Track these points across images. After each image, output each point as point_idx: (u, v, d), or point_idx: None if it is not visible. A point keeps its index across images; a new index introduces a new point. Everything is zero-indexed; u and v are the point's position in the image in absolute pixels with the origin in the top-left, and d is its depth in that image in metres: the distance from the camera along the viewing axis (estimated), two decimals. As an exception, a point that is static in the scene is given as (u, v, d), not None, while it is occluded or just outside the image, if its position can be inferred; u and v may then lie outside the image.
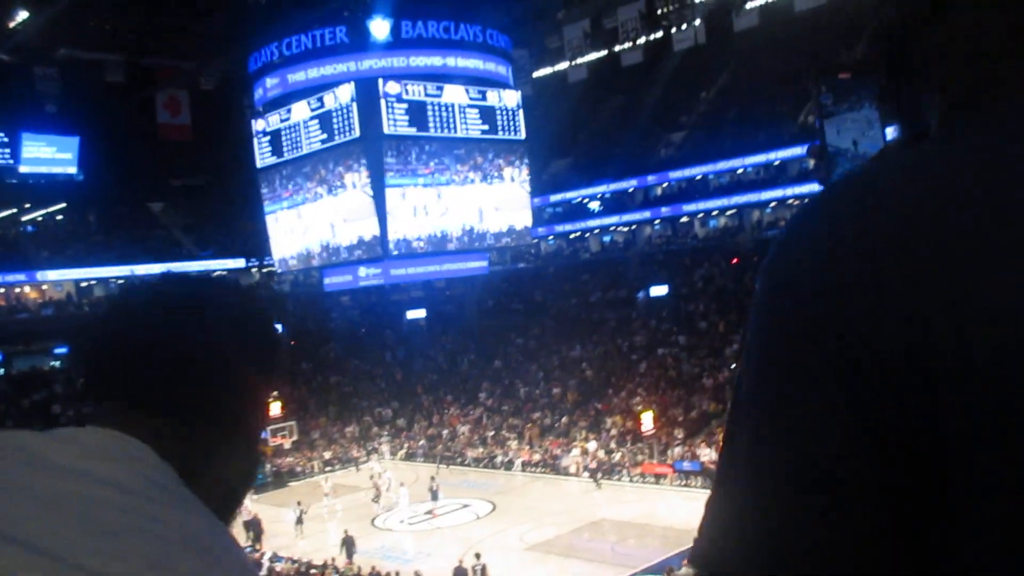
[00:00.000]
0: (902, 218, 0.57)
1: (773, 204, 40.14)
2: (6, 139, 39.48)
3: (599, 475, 28.36)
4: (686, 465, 25.11)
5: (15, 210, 45.51)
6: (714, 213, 42.15)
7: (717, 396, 30.61)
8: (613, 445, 29.84)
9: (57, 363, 40.39)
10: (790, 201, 39.70)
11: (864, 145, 1.24)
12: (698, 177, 42.03)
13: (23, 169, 40.41)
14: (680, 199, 42.42)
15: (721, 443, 0.70)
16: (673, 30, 40.27)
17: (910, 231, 0.57)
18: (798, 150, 38.59)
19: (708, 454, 26.26)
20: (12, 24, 28.94)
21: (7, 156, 39.69)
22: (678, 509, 24.53)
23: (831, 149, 1.25)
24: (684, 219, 42.99)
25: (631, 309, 39.59)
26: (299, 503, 26.33)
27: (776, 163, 39.85)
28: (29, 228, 46.78)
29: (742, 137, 40.02)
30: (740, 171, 40.58)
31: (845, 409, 0.57)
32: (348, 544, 22.07)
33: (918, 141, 0.71)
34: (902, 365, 0.56)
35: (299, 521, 25.23)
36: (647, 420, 26.92)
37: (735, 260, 38.70)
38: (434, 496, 27.07)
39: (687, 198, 42.14)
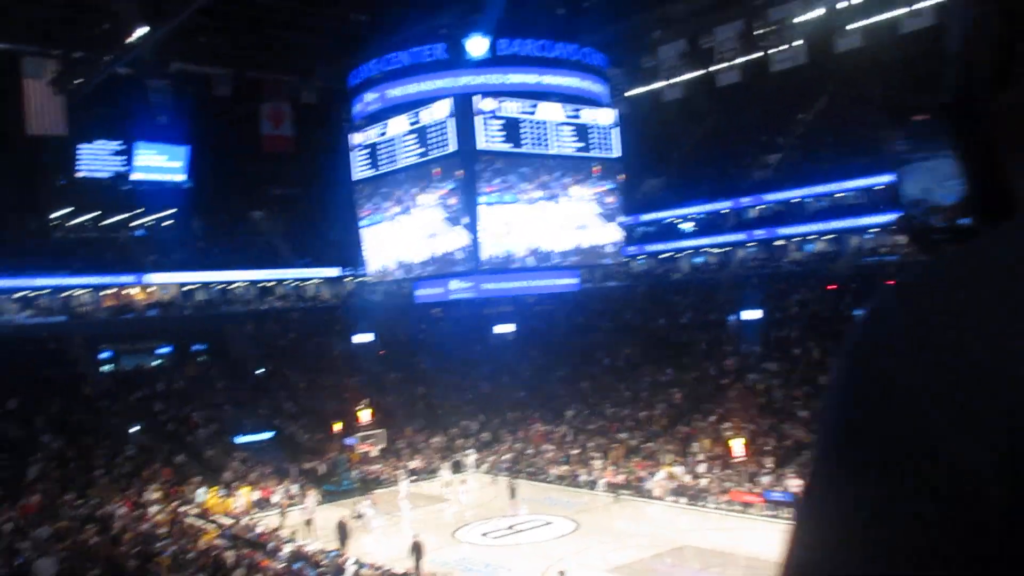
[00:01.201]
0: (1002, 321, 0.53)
1: (874, 230, 38.92)
2: (123, 147, 41.46)
3: (667, 495, 27.90)
4: (776, 495, 24.44)
5: (127, 215, 47.78)
6: (811, 237, 41.11)
7: (810, 426, 29.75)
8: (700, 470, 29.30)
9: (159, 362, 42.15)
10: (892, 228, 38.41)
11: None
12: (794, 200, 41.09)
13: (135, 177, 42.33)
14: (775, 222, 41.54)
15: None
16: (772, 50, 39.67)
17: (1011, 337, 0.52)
18: (902, 175, 37.36)
19: (799, 485, 25.51)
20: (131, 39, 30.44)
21: (122, 164, 41.67)
22: (765, 539, 23.88)
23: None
24: (779, 242, 42.05)
25: (722, 332, 38.89)
26: (361, 505, 27.05)
27: (878, 188, 38.66)
28: (139, 233, 49.03)
29: (841, 160, 38.97)
30: (839, 195, 39.49)
31: (937, 525, 0.53)
32: (416, 550, 22.27)
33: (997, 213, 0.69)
34: (998, 479, 0.52)
35: (357, 516, 26.46)
36: (737, 446, 26.34)
37: (832, 286, 37.64)
38: (512, 494, 27.56)
39: (783, 221, 41.23)
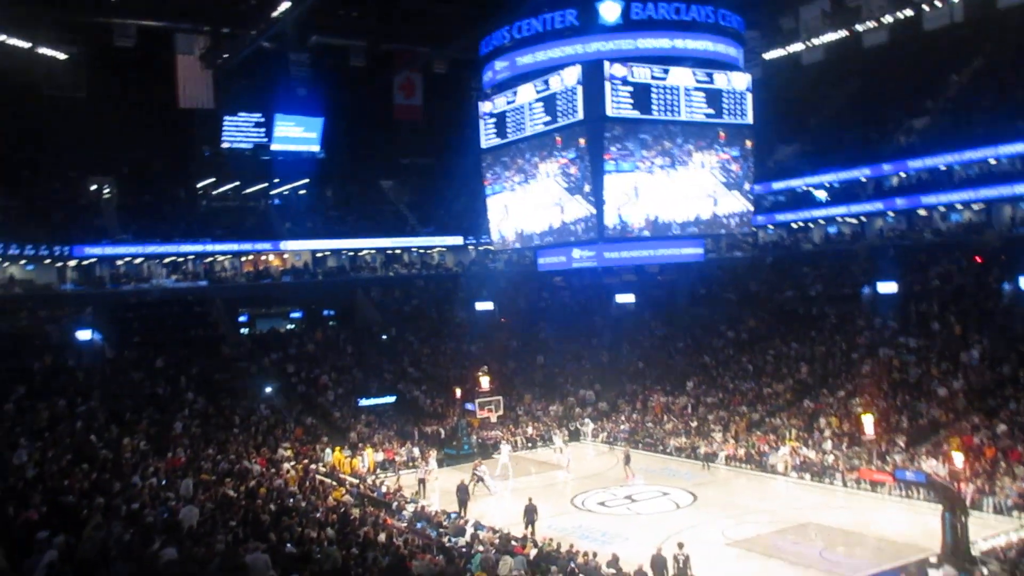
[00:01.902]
0: None
1: (1028, 198, 36.35)
2: (262, 119, 43.22)
3: (791, 471, 27.16)
4: (909, 475, 23.38)
5: (265, 184, 49.90)
6: (958, 207, 38.74)
7: (948, 405, 28.29)
8: (827, 446, 28.39)
9: (292, 326, 43.99)
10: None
11: None
12: (942, 167, 38.72)
13: (274, 147, 44.09)
14: (919, 190, 39.31)
15: None
16: (925, 7, 37.32)
17: None
18: (1062, 140, 34.70)
19: (934, 465, 24.35)
20: (274, 14, 31.60)
21: (262, 135, 43.45)
22: (895, 520, 23.00)
23: None
24: (922, 212, 39.84)
25: (855, 306, 37.32)
26: (479, 468, 27.79)
27: (1033, 154, 35.98)
28: (276, 201, 51.15)
29: (997, 125, 36.41)
30: (992, 161, 37.00)
31: None
32: (529, 513, 22.53)
33: None
34: None
35: (477, 480, 27.10)
36: (868, 423, 25.30)
37: (979, 258, 35.44)
38: (626, 460, 28.20)
39: (927, 189, 38.96)
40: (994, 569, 17.36)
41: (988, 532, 20.36)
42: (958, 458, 23.38)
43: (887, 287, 35.34)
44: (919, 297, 35.11)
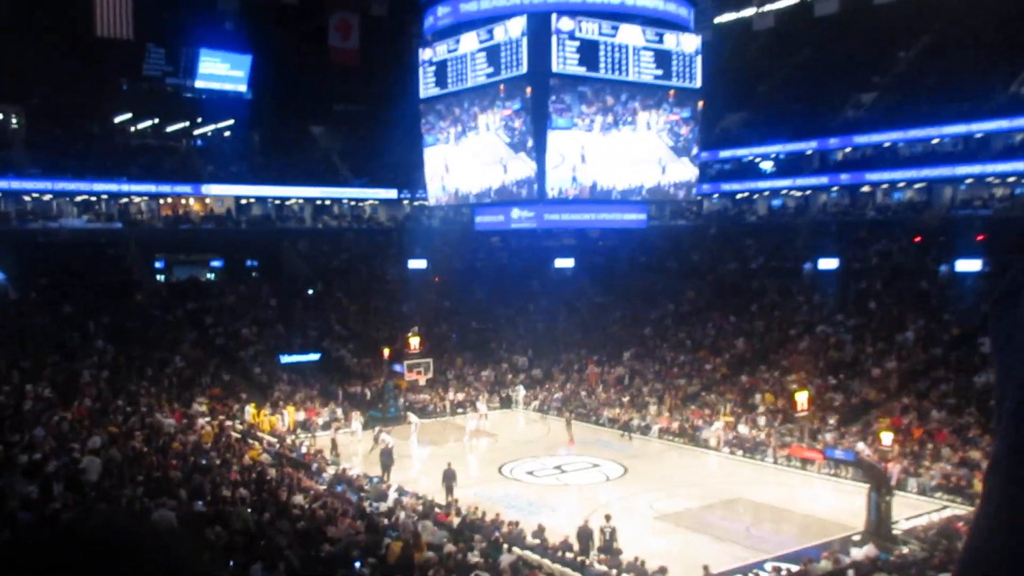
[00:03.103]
0: None
1: (970, 180, 37.52)
2: (187, 54, 41.92)
3: (724, 446, 27.86)
4: (839, 453, 24.19)
5: (187, 124, 48.52)
6: (900, 185, 39.80)
7: (881, 385, 29.26)
8: (760, 422, 29.15)
9: (212, 275, 43.15)
10: (990, 179, 37.01)
11: None
12: (886, 144, 39.68)
13: (198, 84, 42.84)
14: (863, 166, 40.25)
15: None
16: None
17: None
18: (1005, 123, 35.81)
19: (863, 447, 25.19)
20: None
21: (186, 70, 42.18)
22: (823, 498, 23.78)
23: None
24: (865, 188, 40.82)
25: (795, 281, 38.22)
26: (383, 433, 27.32)
27: (979, 135, 37.11)
28: (198, 142, 49.82)
29: (942, 104, 37.38)
30: (936, 141, 38.03)
31: None
32: (448, 478, 22.55)
33: None
34: None
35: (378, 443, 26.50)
36: (801, 400, 26.03)
37: (918, 238, 36.54)
38: (569, 429, 27.72)
39: (871, 166, 39.92)
40: (914, 548, 18.14)
41: (911, 512, 21.23)
42: (887, 438, 24.24)
43: (828, 263, 36.29)
44: (858, 275, 36.10)
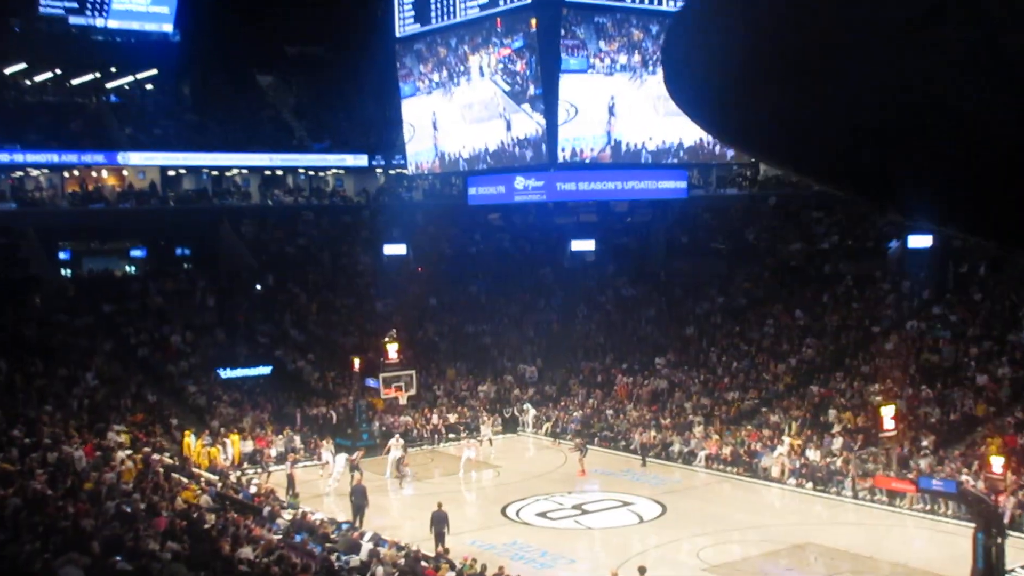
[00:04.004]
0: None
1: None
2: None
3: (789, 476, 27.84)
4: (936, 483, 24.14)
5: (98, 75, 48.55)
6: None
7: (989, 396, 29.23)
8: (835, 446, 29.15)
9: (132, 269, 43.18)
10: None
11: None
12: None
13: (111, 24, 42.88)
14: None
15: None
16: None
17: None
18: None
19: (967, 476, 25.16)
20: None
21: (95, 6, 42.17)
22: (916, 541, 23.80)
23: None
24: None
25: (878, 264, 38.15)
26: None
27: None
28: (112, 98, 49.86)
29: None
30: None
31: None
32: (438, 522, 22.36)
33: None
34: None
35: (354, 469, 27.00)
36: (888, 416, 25.98)
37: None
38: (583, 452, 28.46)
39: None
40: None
41: (1031, 558, 21.22)
42: (997, 463, 24.19)
43: (920, 240, 36.15)
44: (960, 255, 36.02)
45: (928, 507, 25.55)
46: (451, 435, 35.21)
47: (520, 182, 27.36)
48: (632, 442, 33.30)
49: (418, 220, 46.46)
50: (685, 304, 41.91)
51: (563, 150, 24.99)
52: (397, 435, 31.99)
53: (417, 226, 45.79)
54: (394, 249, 44.10)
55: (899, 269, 37.16)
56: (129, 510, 19.86)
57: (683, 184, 28.13)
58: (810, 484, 28.25)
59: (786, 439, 30.11)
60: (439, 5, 27.12)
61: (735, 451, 30.67)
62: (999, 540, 19.24)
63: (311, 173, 50.63)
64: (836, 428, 30.17)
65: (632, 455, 32.74)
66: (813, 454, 29.16)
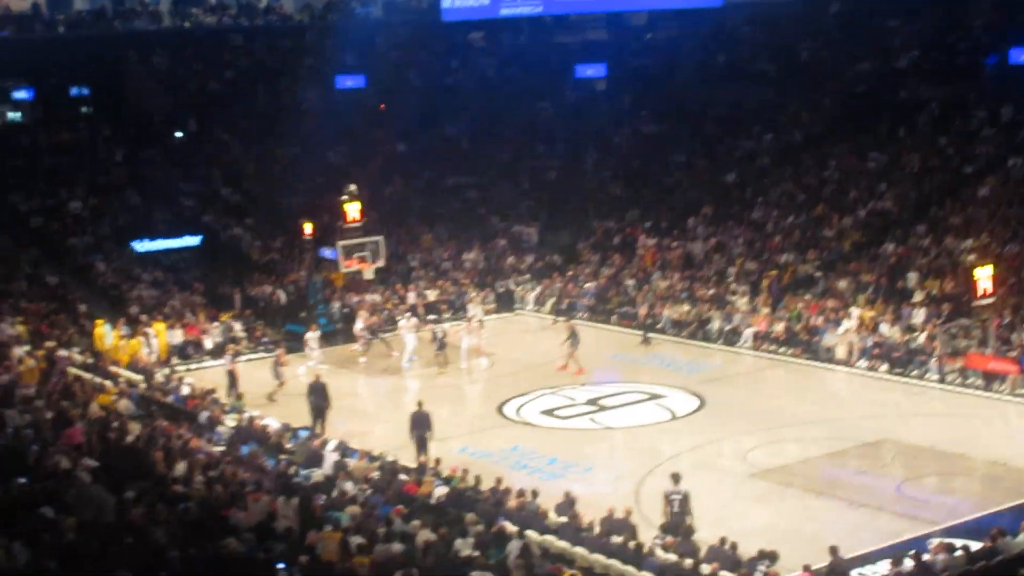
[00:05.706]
0: None
1: None
2: None
3: (859, 358, 28.10)
4: (1043, 361, 24.41)
5: None
6: None
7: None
8: (917, 318, 29.29)
9: (16, 115, 42.74)
10: None
11: None
12: None
13: None
14: None
15: None
16: None
17: None
18: None
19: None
20: None
21: None
22: (1019, 434, 24.02)
23: None
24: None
25: (972, 86, 37.81)
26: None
27: None
28: None
29: None
30: None
31: None
32: (419, 426, 22.56)
33: None
34: None
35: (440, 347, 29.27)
36: (983, 279, 26.04)
37: None
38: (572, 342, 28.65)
39: None
40: None
41: None
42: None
43: (1025, 55, 35.76)
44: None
45: (1033, 391, 25.81)
46: (431, 316, 35.30)
47: (509, -10, 26.99)
48: (661, 320, 33.39)
49: (378, 43, 45.86)
50: (724, 144, 41.68)
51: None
52: (408, 315, 32.56)
53: (377, 51, 45.24)
54: (349, 81, 43.64)
55: (998, 93, 36.82)
56: (32, 419, 19.96)
57: (719, -11, 27.73)
58: (885, 367, 28.47)
59: (854, 311, 30.24)
60: None
61: (789, 328, 30.84)
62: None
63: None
64: (917, 296, 30.28)
65: (660, 335, 32.80)
66: (889, 329, 29.33)
